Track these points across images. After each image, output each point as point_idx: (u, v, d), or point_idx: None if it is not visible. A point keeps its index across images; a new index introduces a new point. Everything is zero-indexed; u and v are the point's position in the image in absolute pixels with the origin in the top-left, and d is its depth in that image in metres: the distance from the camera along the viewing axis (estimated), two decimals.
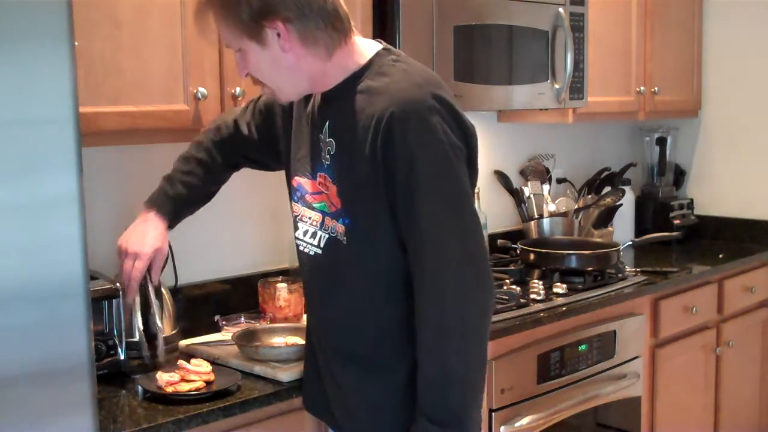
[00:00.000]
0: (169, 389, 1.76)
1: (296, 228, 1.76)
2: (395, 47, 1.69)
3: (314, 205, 1.69)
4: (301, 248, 1.75)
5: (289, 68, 1.61)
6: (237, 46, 1.61)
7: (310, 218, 1.71)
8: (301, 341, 1.97)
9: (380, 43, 1.68)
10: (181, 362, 1.85)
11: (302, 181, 1.72)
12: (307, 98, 1.72)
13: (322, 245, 1.68)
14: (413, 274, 1.56)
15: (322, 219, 1.67)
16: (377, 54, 1.63)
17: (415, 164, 1.51)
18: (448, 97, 1.57)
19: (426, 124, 1.51)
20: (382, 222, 1.57)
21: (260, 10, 1.54)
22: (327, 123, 1.65)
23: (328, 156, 1.64)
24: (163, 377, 1.79)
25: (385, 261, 1.60)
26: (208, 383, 1.80)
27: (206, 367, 1.85)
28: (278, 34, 1.56)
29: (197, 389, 1.77)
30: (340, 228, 1.63)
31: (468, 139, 1.60)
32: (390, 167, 1.53)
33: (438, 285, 1.53)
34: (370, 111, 1.55)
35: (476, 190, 1.75)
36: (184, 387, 1.77)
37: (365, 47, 1.65)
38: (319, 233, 1.68)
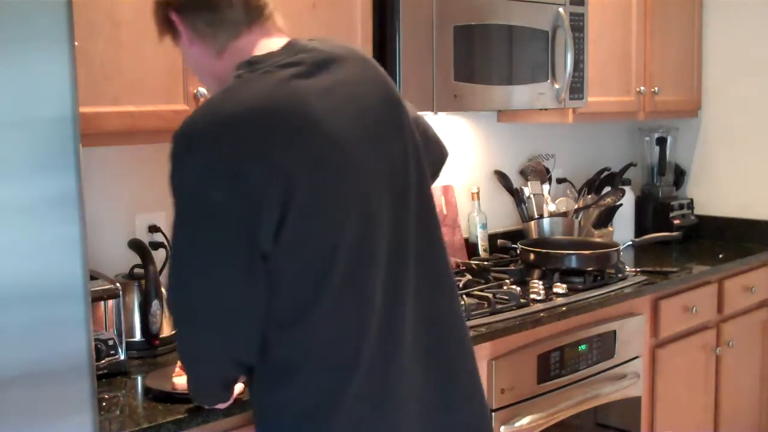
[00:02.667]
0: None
1: None
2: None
3: None
4: None
5: (196, 65, 1.58)
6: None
7: None
8: None
9: (284, 41, 1.53)
10: None
11: None
12: None
13: None
14: None
15: None
16: (239, 65, 1.47)
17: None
18: (206, 128, 1.39)
19: (176, 162, 1.39)
20: None
21: (164, 2, 1.54)
22: None
23: None
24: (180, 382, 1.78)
25: None
26: None
27: None
28: (179, 27, 1.53)
29: None
30: None
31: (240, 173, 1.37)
32: None
33: None
34: None
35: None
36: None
37: (258, 50, 1.50)
38: None
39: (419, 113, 1.75)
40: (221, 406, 1.65)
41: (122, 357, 1.93)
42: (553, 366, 2.44)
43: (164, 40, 1.60)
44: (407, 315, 1.51)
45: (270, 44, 1.51)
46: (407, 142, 1.56)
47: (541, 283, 2.66)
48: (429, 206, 1.59)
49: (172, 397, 1.75)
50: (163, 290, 2.13)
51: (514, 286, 2.59)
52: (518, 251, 2.89)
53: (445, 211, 3.01)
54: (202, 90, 2.00)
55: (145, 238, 2.25)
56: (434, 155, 1.80)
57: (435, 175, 1.85)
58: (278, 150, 1.36)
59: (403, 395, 1.50)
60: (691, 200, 3.77)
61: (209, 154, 1.36)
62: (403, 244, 1.51)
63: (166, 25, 1.57)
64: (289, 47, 1.50)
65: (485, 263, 2.89)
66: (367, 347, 1.45)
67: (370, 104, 1.51)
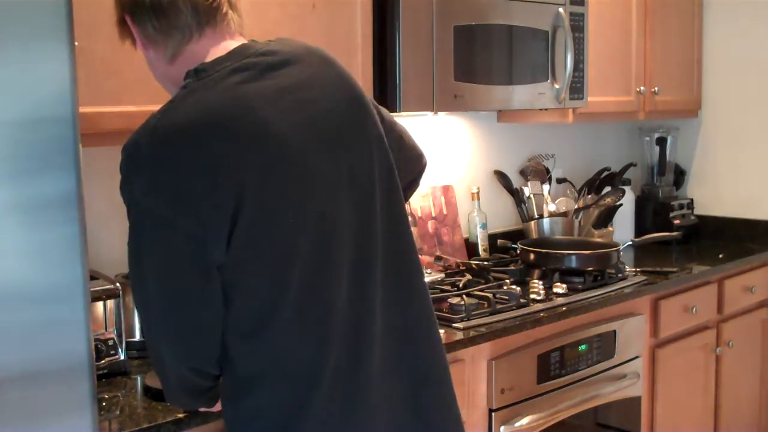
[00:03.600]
0: None
1: None
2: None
3: None
4: None
5: (153, 70, 1.55)
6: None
7: None
8: None
9: (236, 44, 1.47)
10: None
11: None
12: None
13: None
14: None
15: None
16: (187, 73, 1.43)
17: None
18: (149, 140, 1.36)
19: (120, 167, 1.38)
20: None
21: (119, 5, 1.52)
22: None
23: None
24: None
25: None
26: None
27: None
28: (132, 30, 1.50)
29: None
30: None
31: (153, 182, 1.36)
32: None
33: None
34: None
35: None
36: None
37: (209, 56, 1.46)
38: None
39: (393, 117, 1.70)
40: (203, 409, 1.64)
41: (122, 357, 1.93)
42: (553, 366, 2.44)
43: (125, 44, 1.57)
44: (376, 324, 1.48)
45: (221, 49, 1.46)
46: (372, 146, 1.50)
47: (541, 283, 2.66)
48: (398, 213, 1.54)
49: None
50: None
51: (514, 286, 2.59)
52: (518, 251, 2.89)
53: (445, 211, 3.01)
54: None
55: None
56: (410, 163, 1.73)
57: (413, 183, 1.80)
58: (225, 162, 1.33)
59: (372, 405, 1.47)
60: (691, 200, 3.77)
61: (153, 172, 1.34)
62: (367, 253, 1.47)
63: (124, 28, 1.53)
64: (237, 51, 1.44)
65: (485, 263, 2.89)
66: (332, 357, 1.42)
67: (327, 107, 1.46)
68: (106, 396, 1.80)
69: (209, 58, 1.44)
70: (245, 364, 1.44)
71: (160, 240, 1.36)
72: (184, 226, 1.33)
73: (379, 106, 1.64)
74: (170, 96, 1.43)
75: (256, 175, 1.34)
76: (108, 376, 1.89)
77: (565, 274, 2.72)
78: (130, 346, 2.02)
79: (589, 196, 3.34)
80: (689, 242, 3.59)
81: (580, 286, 2.66)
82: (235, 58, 1.42)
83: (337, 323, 1.43)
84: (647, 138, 3.80)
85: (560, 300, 2.55)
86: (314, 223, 1.41)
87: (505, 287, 2.57)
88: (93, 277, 1.91)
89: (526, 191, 3.22)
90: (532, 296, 2.54)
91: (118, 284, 1.96)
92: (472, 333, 2.23)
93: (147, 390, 1.82)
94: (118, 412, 1.72)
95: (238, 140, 1.35)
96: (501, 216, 3.29)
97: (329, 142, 1.44)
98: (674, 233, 3.44)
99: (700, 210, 3.77)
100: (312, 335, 1.42)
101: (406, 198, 1.72)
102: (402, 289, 1.54)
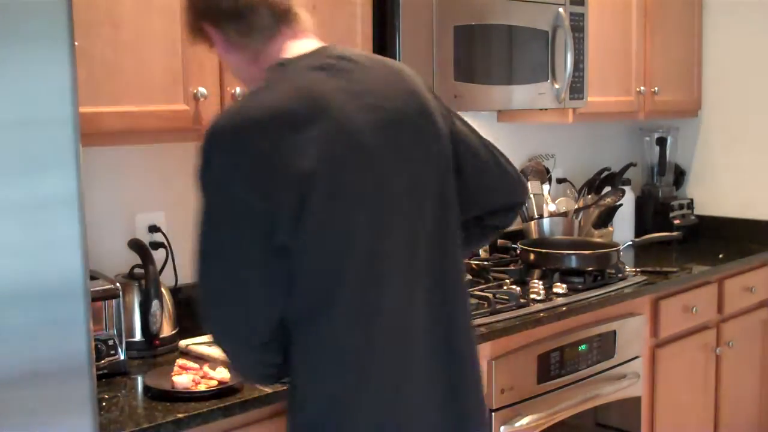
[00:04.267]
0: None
1: None
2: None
3: None
4: None
5: (237, 71, 1.63)
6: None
7: None
8: None
9: (315, 44, 1.57)
10: (206, 371, 1.85)
11: None
12: None
13: None
14: None
15: None
16: (269, 68, 1.53)
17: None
18: (241, 124, 1.42)
19: (203, 161, 1.43)
20: None
21: (195, 14, 1.58)
22: None
23: None
24: (181, 381, 1.79)
25: None
26: (221, 383, 1.81)
27: (227, 374, 1.85)
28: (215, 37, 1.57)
29: (209, 387, 1.78)
30: None
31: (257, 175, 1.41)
32: None
33: None
34: None
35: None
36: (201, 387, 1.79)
37: (287, 52, 1.55)
38: None
39: (489, 141, 1.77)
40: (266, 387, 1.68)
41: (122, 357, 1.93)
42: (553, 366, 2.44)
43: (196, 45, 1.65)
44: (420, 313, 1.54)
45: (299, 46, 1.54)
46: (434, 159, 1.57)
47: (541, 283, 2.66)
48: (449, 229, 1.60)
49: (171, 396, 1.75)
50: (162, 290, 2.14)
51: (514, 286, 2.59)
52: (518, 251, 2.89)
53: None
54: (203, 90, 2.00)
55: (145, 238, 2.25)
56: (506, 188, 1.78)
57: (509, 211, 1.84)
58: (300, 150, 1.39)
59: (420, 386, 1.54)
60: (691, 200, 3.77)
61: (233, 154, 1.40)
62: (417, 254, 1.54)
63: (199, 34, 1.60)
64: (317, 51, 1.53)
65: (485, 263, 2.89)
66: (381, 341, 1.48)
67: (397, 115, 1.52)
68: (106, 396, 1.80)
69: (288, 55, 1.52)
70: (300, 351, 1.48)
71: (233, 218, 1.41)
72: (256, 207, 1.39)
73: (460, 120, 1.71)
74: None
75: (329, 167, 1.40)
76: (108, 376, 1.89)
77: (565, 274, 2.72)
78: (130, 346, 2.03)
79: (589, 196, 3.34)
80: (689, 242, 3.59)
81: (580, 286, 2.67)
82: (314, 57, 1.51)
83: (387, 313, 1.49)
84: (647, 138, 3.81)
85: (560, 300, 2.55)
86: (375, 217, 1.47)
87: (505, 287, 2.57)
88: (93, 277, 1.91)
89: None
90: (532, 296, 2.54)
91: (118, 284, 1.96)
92: None
93: (147, 390, 1.82)
94: (118, 412, 1.72)
95: (313, 132, 1.41)
96: None
97: (396, 146, 1.50)
98: (674, 233, 3.44)
99: (700, 210, 3.77)
100: (365, 323, 1.48)
101: (499, 228, 1.86)
102: (445, 288, 1.60)
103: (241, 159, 1.40)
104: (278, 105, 1.42)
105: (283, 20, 1.54)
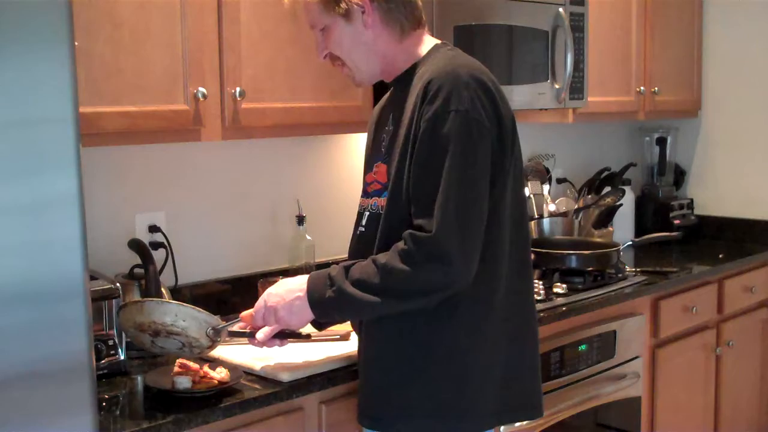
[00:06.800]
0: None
1: (356, 221, 1.86)
2: None
3: (369, 192, 1.81)
4: (353, 234, 1.85)
5: (366, 45, 1.78)
6: (322, 23, 1.78)
7: (363, 206, 1.83)
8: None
9: (441, 41, 1.85)
10: (206, 371, 1.85)
11: (366, 177, 1.85)
12: (381, 110, 1.89)
13: (364, 223, 1.80)
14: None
15: (371, 201, 1.80)
16: (435, 46, 1.80)
17: (438, 126, 1.63)
18: (487, 80, 1.70)
19: (456, 95, 1.63)
20: (405, 181, 1.68)
21: None
22: (390, 115, 1.80)
23: (383, 145, 1.78)
24: (181, 381, 1.79)
25: (405, 221, 1.67)
26: (221, 383, 1.81)
27: (227, 374, 1.85)
28: (363, 10, 1.74)
29: (209, 387, 1.78)
30: (382, 202, 1.74)
31: (500, 119, 1.70)
32: (419, 127, 1.66)
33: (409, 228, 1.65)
34: (418, 85, 1.70)
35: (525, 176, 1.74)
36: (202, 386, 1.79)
37: (429, 41, 1.82)
38: (366, 213, 1.81)
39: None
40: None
41: (122, 357, 1.93)
42: (553, 366, 2.44)
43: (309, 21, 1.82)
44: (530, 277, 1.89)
45: (430, 40, 1.83)
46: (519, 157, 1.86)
47: (541, 283, 2.65)
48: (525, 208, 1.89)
49: (171, 396, 1.75)
50: (162, 290, 2.14)
51: None
52: None
53: None
54: (203, 90, 2.00)
55: (145, 238, 2.25)
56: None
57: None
58: (507, 105, 1.75)
59: (533, 327, 1.88)
60: (691, 200, 3.77)
61: (477, 93, 1.65)
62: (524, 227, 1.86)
63: (334, 6, 1.75)
64: (447, 43, 1.85)
65: None
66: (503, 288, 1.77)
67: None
68: (106, 396, 1.80)
69: (423, 44, 1.81)
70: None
71: (480, 144, 1.65)
72: (492, 138, 1.67)
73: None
74: (367, 68, 1.81)
75: (513, 125, 1.76)
76: (108, 376, 1.89)
77: (565, 274, 2.72)
78: (130, 346, 2.02)
79: (589, 196, 3.34)
80: (689, 242, 3.59)
81: (580, 286, 2.67)
82: (446, 44, 1.83)
83: (509, 258, 1.78)
84: (647, 138, 3.81)
85: (560, 300, 2.55)
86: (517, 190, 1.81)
87: None
88: (93, 277, 1.91)
89: (526, 191, 3.22)
90: None
91: (118, 284, 1.96)
92: None
93: (147, 390, 1.82)
94: (118, 412, 1.72)
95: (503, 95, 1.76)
96: None
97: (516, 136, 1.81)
98: (674, 233, 3.44)
99: (700, 210, 3.78)
100: (514, 267, 1.78)
101: None
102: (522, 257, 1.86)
103: (483, 97, 1.67)
104: (479, 65, 1.75)
105: (422, 17, 1.82)
